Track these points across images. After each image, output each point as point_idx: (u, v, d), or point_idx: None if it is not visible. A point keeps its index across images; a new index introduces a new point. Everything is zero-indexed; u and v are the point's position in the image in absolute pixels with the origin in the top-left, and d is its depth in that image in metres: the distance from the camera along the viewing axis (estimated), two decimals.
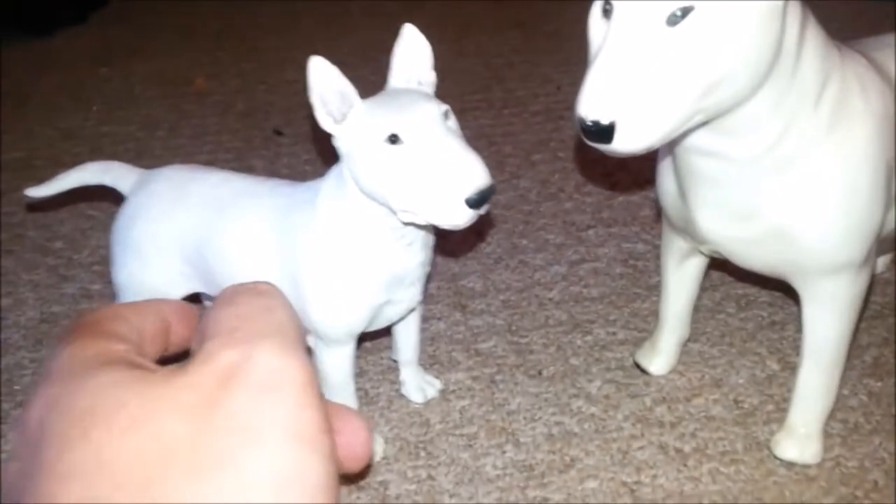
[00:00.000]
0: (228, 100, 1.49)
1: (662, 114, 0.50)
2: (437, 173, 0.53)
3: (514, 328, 0.86)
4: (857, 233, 0.60)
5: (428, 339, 0.84)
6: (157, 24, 1.94)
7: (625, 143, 0.51)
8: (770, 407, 0.73)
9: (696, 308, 0.86)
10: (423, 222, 0.56)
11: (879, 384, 0.75)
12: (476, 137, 1.30)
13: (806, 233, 0.59)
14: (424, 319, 0.87)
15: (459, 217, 0.54)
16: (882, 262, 0.89)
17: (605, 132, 0.50)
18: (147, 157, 1.27)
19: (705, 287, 0.85)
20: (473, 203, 0.53)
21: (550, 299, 0.90)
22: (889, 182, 0.60)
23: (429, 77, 0.61)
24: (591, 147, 0.52)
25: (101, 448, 0.18)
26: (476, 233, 1.01)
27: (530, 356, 0.81)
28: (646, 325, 0.84)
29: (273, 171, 1.21)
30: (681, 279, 0.75)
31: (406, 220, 0.56)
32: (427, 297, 0.91)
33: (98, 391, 0.19)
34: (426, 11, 1.93)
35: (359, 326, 0.64)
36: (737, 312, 0.85)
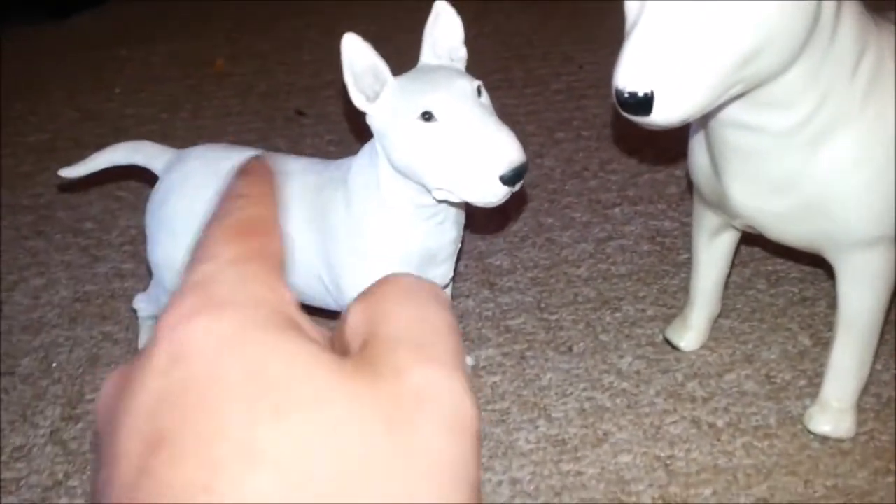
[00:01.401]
0: (249, 80, 1.49)
1: (700, 84, 0.50)
2: (472, 150, 0.53)
3: (542, 305, 0.86)
4: (892, 206, 0.59)
5: (458, 317, 0.84)
6: (173, 6, 1.94)
7: (663, 115, 0.50)
8: (803, 382, 0.73)
9: (727, 284, 0.85)
10: (457, 199, 0.56)
11: None
12: (500, 116, 1.29)
13: (841, 205, 0.59)
14: (453, 297, 0.87)
15: (494, 194, 0.53)
16: None
17: (644, 104, 0.50)
18: (171, 138, 1.27)
19: (735, 263, 0.84)
20: (508, 180, 0.53)
21: (578, 276, 0.90)
22: None
23: (461, 53, 0.60)
24: (626, 119, 0.52)
25: (302, 435, 0.16)
26: (502, 212, 1.01)
27: (560, 332, 0.82)
28: (675, 301, 0.84)
29: (296, 151, 1.21)
30: (712, 255, 0.74)
31: (440, 198, 0.56)
32: (455, 275, 0.91)
33: (290, 364, 0.17)
34: None
35: None
36: (767, 289, 0.85)
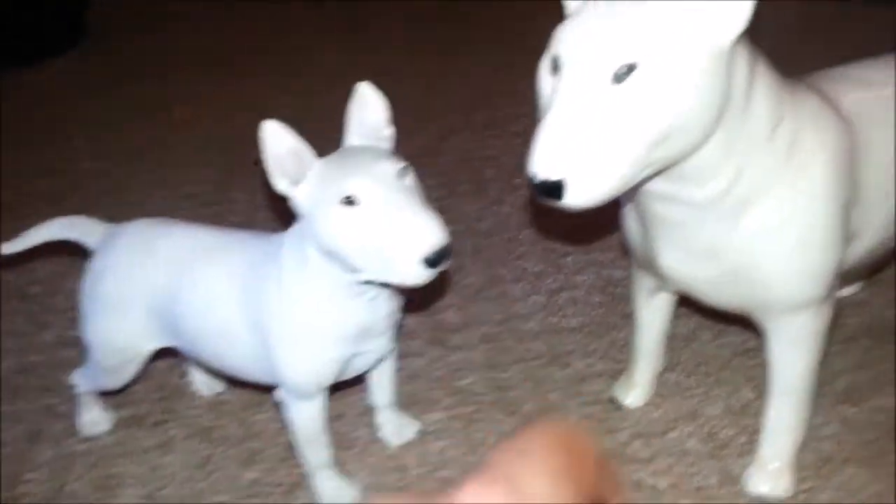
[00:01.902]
0: (211, 128, 1.49)
1: (611, 169, 0.51)
2: (394, 234, 0.53)
3: (492, 363, 0.86)
4: (817, 270, 0.60)
5: (407, 378, 0.85)
6: (138, 53, 1.95)
7: (575, 199, 0.51)
8: (743, 439, 0.74)
9: (672, 336, 0.86)
10: (382, 280, 0.56)
11: (854, 410, 0.75)
12: (459, 161, 1.30)
13: (765, 272, 0.60)
14: (403, 357, 0.88)
15: (417, 276, 0.54)
16: (855, 285, 0.90)
17: (556, 189, 0.51)
18: (126, 191, 1.27)
19: (680, 315, 0.85)
20: (430, 262, 0.53)
21: (529, 331, 0.90)
22: (846, 218, 0.61)
23: (386, 132, 0.61)
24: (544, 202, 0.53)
25: None
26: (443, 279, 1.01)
27: (509, 393, 0.82)
28: (623, 355, 0.85)
29: (253, 203, 1.22)
30: (651, 313, 0.75)
31: (366, 279, 0.57)
32: (406, 333, 0.92)
33: None
34: (407, 33, 1.94)
35: (327, 380, 0.64)
36: (712, 339, 0.86)
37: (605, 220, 0.67)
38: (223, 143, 1.42)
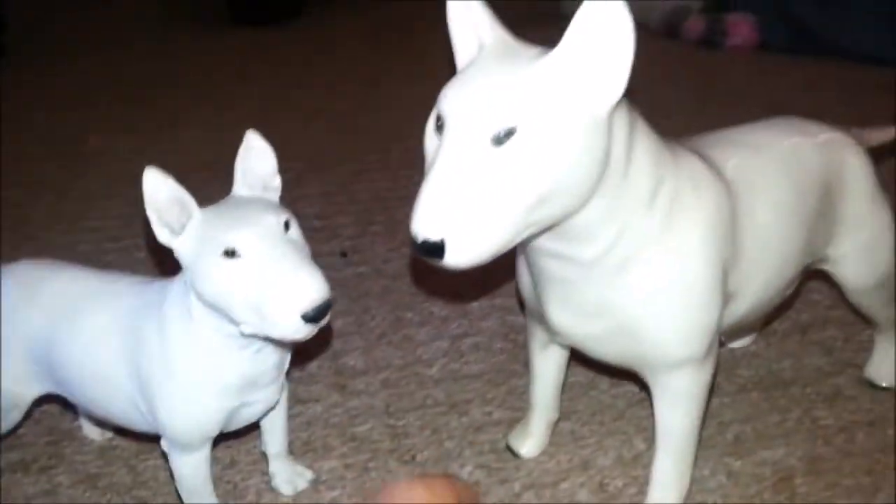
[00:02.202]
0: (122, 158, 1.46)
1: (491, 230, 0.51)
2: (274, 289, 0.53)
3: (391, 409, 0.86)
4: (697, 329, 0.62)
5: (304, 424, 0.83)
6: (51, 78, 1.90)
7: (455, 259, 0.51)
8: (633, 490, 0.75)
9: (571, 385, 0.87)
10: (261, 334, 0.55)
11: (739, 463, 0.77)
12: (371, 200, 1.30)
13: (647, 331, 0.61)
14: (302, 402, 0.86)
15: (297, 331, 0.53)
16: (748, 336, 0.93)
17: (436, 249, 0.51)
18: (30, 224, 1.23)
19: (580, 362, 0.86)
20: (310, 318, 0.53)
21: (430, 377, 0.90)
22: (725, 278, 0.63)
23: (274, 182, 0.61)
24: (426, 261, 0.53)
25: None
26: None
27: (405, 440, 0.81)
28: (521, 403, 0.85)
29: None
30: (546, 364, 0.76)
31: (247, 332, 0.56)
32: (307, 378, 0.91)
33: None
34: (326, 68, 1.94)
35: (211, 432, 0.63)
36: (609, 388, 0.87)
37: (509, 266, 0.67)
38: (133, 175, 1.39)
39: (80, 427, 0.83)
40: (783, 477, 0.76)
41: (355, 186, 1.34)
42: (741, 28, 1.91)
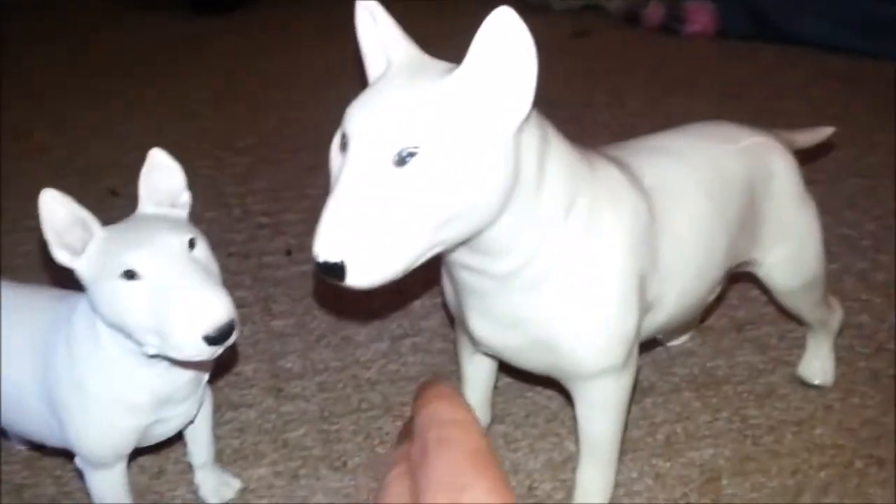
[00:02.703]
0: (69, 155, 1.44)
1: (393, 252, 0.51)
2: (174, 310, 0.52)
3: (326, 414, 0.85)
4: (614, 340, 0.62)
5: (236, 430, 0.83)
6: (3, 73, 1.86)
7: (357, 280, 0.51)
8: (561, 494, 0.75)
9: (507, 387, 0.87)
10: (164, 355, 0.55)
11: (667, 464, 0.78)
12: (320, 197, 1.29)
13: (564, 343, 0.61)
14: (234, 408, 0.86)
15: (199, 353, 0.53)
16: (685, 334, 0.93)
17: (337, 270, 0.50)
18: None
19: (505, 369, 0.86)
20: (212, 340, 0.52)
21: (367, 380, 0.90)
22: (643, 288, 0.63)
23: (183, 198, 0.60)
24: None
25: None
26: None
27: (337, 446, 0.81)
28: None
29: None
30: (475, 370, 0.76)
31: (151, 353, 0.55)
32: (242, 382, 0.90)
33: None
34: (285, 56, 1.91)
35: (124, 450, 0.62)
36: (543, 389, 0.87)
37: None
38: (79, 171, 1.38)
39: (6, 437, 0.82)
40: (710, 478, 0.76)
41: (304, 182, 1.33)
42: (700, 15, 1.91)
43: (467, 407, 0.32)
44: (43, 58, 1.96)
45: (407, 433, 0.34)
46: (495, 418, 0.82)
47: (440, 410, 0.31)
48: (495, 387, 0.80)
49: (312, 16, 2.21)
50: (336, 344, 0.96)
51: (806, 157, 0.81)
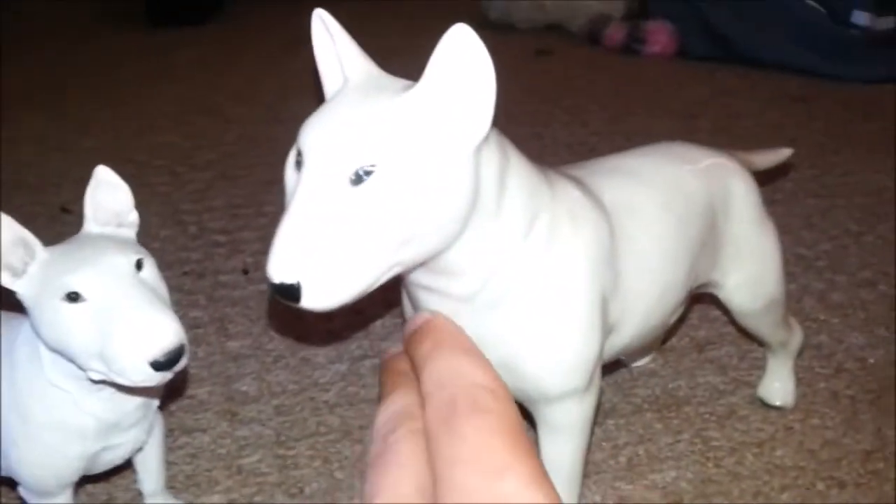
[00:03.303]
0: (21, 170, 1.40)
1: (350, 273, 0.49)
2: (120, 334, 0.50)
3: (282, 438, 0.83)
4: (576, 363, 0.61)
5: (188, 456, 0.80)
6: None
7: (313, 303, 0.49)
8: None
9: None
10: (110, 381, 0.52)
11: (630, 487, 0.77)
12: (279, 214, 1.26)
13: (524, 366, 0.60)
14: (188, 432, 0.83)
15: (147, 378, 0.51)
16: (647, 356, 0.93)
17: (292, 292, 0.49)
18: None
19: None
20: (159, 365, 0.50)
21: (326, 402, 0.88)
22: (604, 310, 0.62)
23: (131, 217, 0.58)
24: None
25: None
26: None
27: (294, 472, 0.79)
28: None
29: None
30: None
31: (96, 379, 0.53)
32: (196, 405, 0.87)
33: None
34: (245, 70, 1.89)
35: (69, 478, 0.60)
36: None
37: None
38: (31, 187, 1.34)
39: None
40: (672, 501, 0.75)
41: (263, 198, 1.31)
42: (660, 36, 1.93)
43: (495, 371, 0.28)
44: (5, 71, 1.92)
45: (395, 374, 0.30)
46: None
47: (467, 369, 0.27)
48: None
49: (274, 29, 2.20)
50: (294, 365, 0.93)
51: (764, 178, 0.81)
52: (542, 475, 0.25)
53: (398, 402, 0.28)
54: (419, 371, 0.28)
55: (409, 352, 0.29)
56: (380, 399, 0.30)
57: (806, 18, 1.83)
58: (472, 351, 0.28)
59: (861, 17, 1.76)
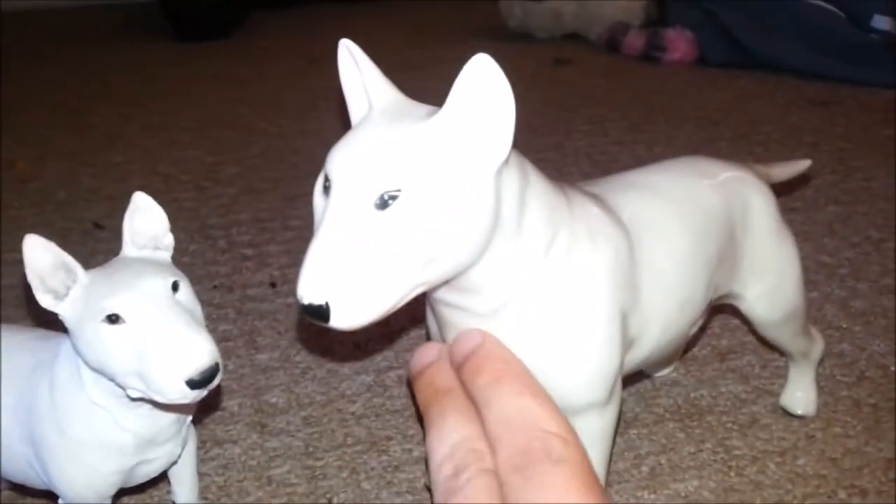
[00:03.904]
0: (50, 186, 1.44)
1: (377, 294, 0.51)
2: (157, 354, 0.52)
3: (311, 449, 0.85)
4: (597, 377, 0.62)
5: (220, 467, 0.82)
6: None
7: (341, 322, 0.51)
8: None
9: None
10: (147, 399, 0.55)
11: (652, 497, 0.78)
12: (304, 228, 1.29)
13: (546, 380, 0.60)
14: (219, 444, 0.86)
15: (183, 396, 0.53)
16: (670, 366, 0.94)
17: (321, 312, 0.51)
18: None
19: None
20: (195, 384, 0.52)
21: (353, 413, 0.90)
22: (624, 324, 0.63)
23: (167, 241, 0.60)
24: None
25: None
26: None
27: (322, 482, 0.81)
28: None
29: (89, 268, 1.18)
30: None
31: (135, 397, 0.55)
32: (227, 417, 0.90)
33: None
34: (269, 83, 1.92)
35: (107, 491, 0.62)
36: None
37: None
38: (62, 203, 1.37)
39: None
40: None
41: (289, 212, 1.34)
42: (679, 43, 1.93)
43: (561, 414, 0.29)
44: (25, 86, 1.96)
45: (437, 392, 0.29)
46: None
47: (536, 413, 0.26)
48: None
49: (297, 44, 2.23)
50: (321, 377, 0.96)
51: (784, 188, 0.82)
52: None
53: (458, 432, 0.28)
54: (480, 406, 0.28)
55: (464, 379, 0.30)
56: (423, 416, 0.30)
57: (826, 23, 1.83)
58: (535, 389, 0.28)
59: (881, 22, 1.76)
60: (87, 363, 0.56)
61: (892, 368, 0.93)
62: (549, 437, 0.25)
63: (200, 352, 0.53)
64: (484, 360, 0.30)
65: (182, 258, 1.18)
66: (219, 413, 0.90)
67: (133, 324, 0.53)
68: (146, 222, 0.59)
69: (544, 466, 0.24)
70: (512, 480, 0.25)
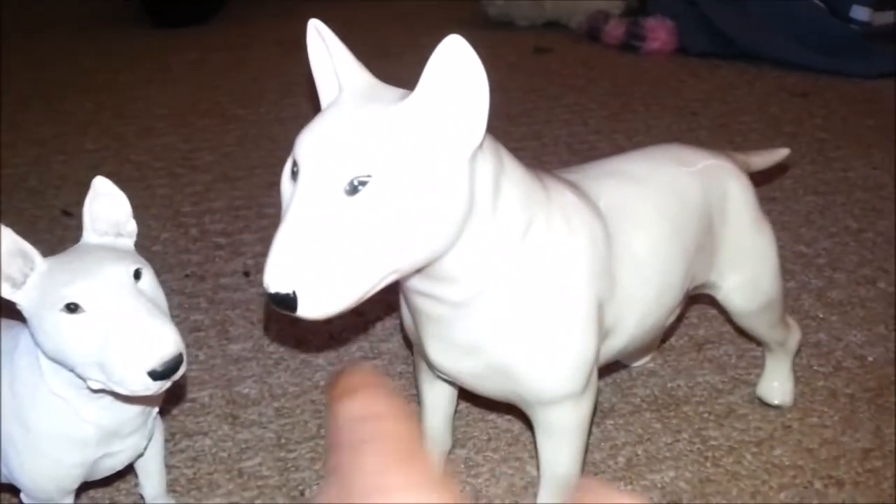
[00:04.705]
0: (21, 173, 1.40)
1: (346, 282, 0.50)
2: (119, 344, 0.50)
3: (283, 441, 0.84)
4: (573, 366, 0.61)
5: (190, 459, 0.81)
6: None
7: (309, 312, 0.50)
8: None
9: (469, 409, 0.87)
10: (109, 390, 0.53)
11: (629, 488, 0.77)
12: (279, 215, 1.27)
13: (521, 369, 0.60)
14: (189, 436, 0.84)
15: (145, 388, 0.51)
16: (647, 356, 0.93)
17: (288, 302, 0.49)
18: None
19: (465, 396, 0.85)
20: (158, 375, 0.51)
21: (326, 405, 0.88)
22: (601, 313, 0.62)
23: (129, 227, 0.58)
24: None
25: None
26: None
27: (295, 474, 0.79)
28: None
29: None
30: (435, 396, 0.75)
31: (96, 388, 0.54)
32: (198, 409, 0.88)
33: None
34: (245, 71, 1.89)
35: (70, 485, 0.60)
36: (506, 412, 0.86)
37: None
38: (32, 190, 1.34)
39: None
40: (671, 501, 0.76)
41: (264, 200, 1.31)
42: (659, 33, 1.92)
43: (384, 395, 0.27)
44: (7, 71, 1.92)
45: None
46: (456, 443, 0.81)
47: (352, 408, 0.27)
48: (456, 411, 0.79)
49: (275, 30, 2.20)
50: (294, 368, 0.94)
51: (763, 177, 0.82)
52: (431, 482, 0.25)
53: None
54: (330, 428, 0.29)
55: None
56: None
57: (805, 14, 1.83)
58: (360, 384, 0.28)
59: (860, 13, 1.76)
60: (45, 353, 0.54)
61: (869, 358, 0.93)
62: (360, 422, 0.28)
63: (163, 342, 0.51)
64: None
65: (154, 246, 1.16)
66: (189, 404, 0.88)
67: (93, 313, 0.51)
68: (107, 208, 0.57)
69: (355, 453, 0.26)
70: (342, 480, 0.26)
